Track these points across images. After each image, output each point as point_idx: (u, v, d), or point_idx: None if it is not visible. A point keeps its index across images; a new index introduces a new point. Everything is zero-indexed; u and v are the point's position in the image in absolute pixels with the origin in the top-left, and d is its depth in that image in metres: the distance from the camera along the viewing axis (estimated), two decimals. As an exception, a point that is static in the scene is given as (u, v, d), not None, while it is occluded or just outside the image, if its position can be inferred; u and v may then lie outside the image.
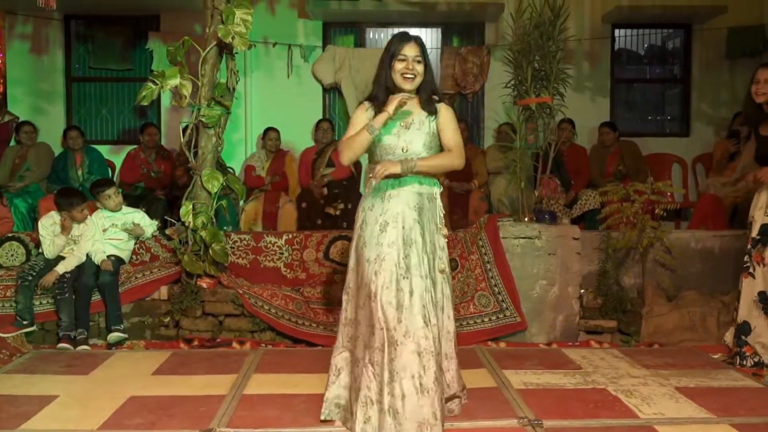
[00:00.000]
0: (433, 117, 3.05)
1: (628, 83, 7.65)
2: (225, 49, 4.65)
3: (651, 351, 4.41)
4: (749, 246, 4.02)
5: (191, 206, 4.63)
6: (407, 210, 2.96)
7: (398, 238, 2.91)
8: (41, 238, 4.72)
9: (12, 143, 6.48)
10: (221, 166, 5.42)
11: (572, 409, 3.25)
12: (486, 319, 4.64)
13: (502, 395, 3.43)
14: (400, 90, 3.02)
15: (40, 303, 4.62)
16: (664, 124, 7.72)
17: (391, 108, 2.92)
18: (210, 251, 4.62)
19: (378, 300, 2.82)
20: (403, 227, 2.94)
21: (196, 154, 4.72)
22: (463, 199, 6.22)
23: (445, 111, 3.08)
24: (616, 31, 7.40)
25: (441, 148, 3.08)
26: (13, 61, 7.20)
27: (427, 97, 3.05)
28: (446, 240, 3.11)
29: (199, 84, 4.61)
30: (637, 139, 6.97)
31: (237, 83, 4.79)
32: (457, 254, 4.84)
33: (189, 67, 4.62)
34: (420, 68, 3.00)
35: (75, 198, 4.77)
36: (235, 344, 4.50)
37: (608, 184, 5.48)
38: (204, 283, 4.68)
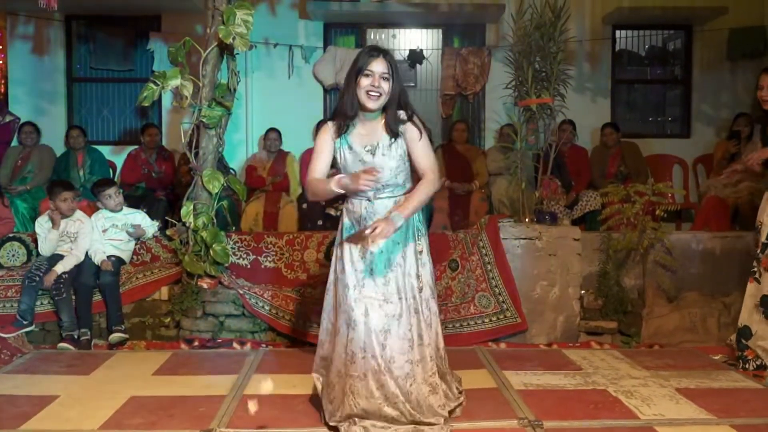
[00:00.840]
0: (399, 139, 2.90)
1: (629, 84, 7.64)
2: (226, 50, 4.66)
3: (651, 352, 4.41)
4: (758, 251, 3.96)
5: (192, 207, 4.64)
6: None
7: (378, 263, 2.89)
8: (37, 236, 4.73)
9: (14, 143, 6.47)
10: (223, 167, 5.43)
11: (572, 410, 3.25)
12: (486, 320, 4.64)
13: (502, 396, 3.43)
14: (364, 108, 2.87)
15: (40, 303, 4.62)
16: (665, 125, 7.71)
17: (358, 184, 2.73)
18: (211, 252, 4.63)
19: (359, 327, 2.83)
20: (382, 251, 2.89)
21: (197, 154, 4.72)
22: (463, 200, 6.22)
23: (411, 130, 2.91)
24: (617, 32, 7.40)
25: (410, 169, 2.97)
26: (15, 61, 7.21)
27: (392, 118, 2.88)
28: (421, 252, 3.01)
29: (200, 84, 4.62)
30: (637, 140, 6.97)
31: (238, 84, 4.80)
32: (458, 255, 4.84)
33: (190, 67, 4.63)
34: (386, 86, 2.83)
35: (58, 187, 4.79)
36: (235, 345, 4.50)
37: (609, 185, 5.48)
38: (205, 283, 4.68)
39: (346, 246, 2.95)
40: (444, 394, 2.99)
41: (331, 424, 2.93)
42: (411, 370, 2.86)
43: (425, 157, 2.93)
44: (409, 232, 2.97)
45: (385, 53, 2.87)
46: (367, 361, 2.83)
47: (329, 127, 2.97)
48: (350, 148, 2.93)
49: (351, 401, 2.84)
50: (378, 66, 2.83)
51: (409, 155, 2.94)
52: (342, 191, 2.84)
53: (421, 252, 3.00)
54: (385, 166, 2.88)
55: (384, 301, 2.88)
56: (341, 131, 2.94)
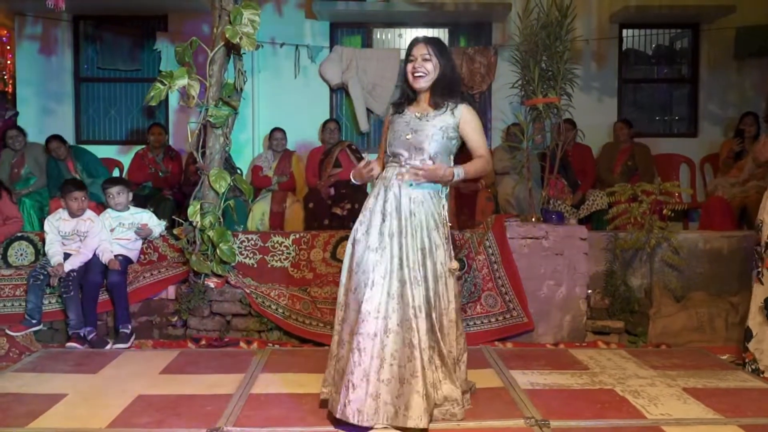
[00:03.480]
0: (443, 111, 3.11)
1: (636, 83, 7.63)
2: (233, 50, 4.67)
3: (658, 352, 4.40)
4: (761, 250, 3.95)
5: (199, 206, 4.65)
6: (405, 201, 3.04)
7: (395, 229, 3.01)
8: (45, 235, 4.75)
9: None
10: (230, 166, 5.44)
11: (579, 409, 3.24)
12: (493, 320, 4.64)
13: (508, 395, 3.43)
14: (412, 88, 3.13)
15: (49, 302, 4.63)
16: (672, 124, 7.69)
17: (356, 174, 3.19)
18: (217, 251, 4.64)
19: (377, 288, 2.93)
20: (401, 219, 3.02)
21: (204, 154, 4.74)
22: (470, 200, 6.22)
23: (466, 113, 3.13)
24: (624, 31, 7.38)
25: (448, 146, 3.14)
26: (23, 61, 7.26)
27: (436, 95, 3.12)
28: (446, 238, 3.13)
29: (207, 84, 4.63)
30: (645, 140, 6.96)
31: (244, 83, 4.81)
32: (465, 254, 4.83)
33: (197, 67, 4.64)
34: (430, 66, 3.07)
35: (69, 186, 4.79)
36: (242, 344, 4.51)
37: (616, 180, 5.46)
38: (211, 282, 4.70)
39: (372, 209, 3.09)
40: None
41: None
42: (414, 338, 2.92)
43: (480, 142, 3.17)
44: (432, 218, 3.08)
45: (428, 39, 3.13)
46: (378, 321, 2.91)
47: (390, 109, 3.30)
48: (402, 115, 3.18)
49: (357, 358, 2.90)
50: (418, 50, 3.09)
51: (460, 136, 3.16)
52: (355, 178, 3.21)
53: (439, 244, 3.07)
54: (423, 130, 3.09)
55: (400, 268, 2.97)
56: (397, 110, 3.21)
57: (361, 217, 3.13)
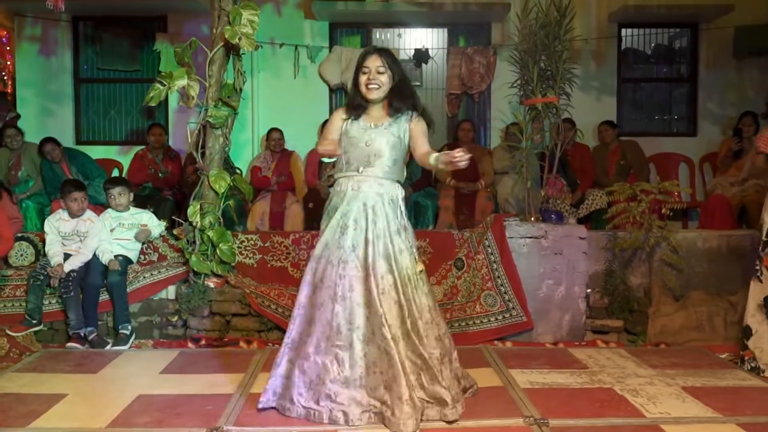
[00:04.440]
0: (398, 119, 3.15)
1: (635, 83, 7.63)
2: (232, 50, 4.68)
3: (657, 351, 4.41)
4: (759, 249, 3.96)
5: (199, 206, 4.66)
6: (363, 210, 3.08)
7: (359, 241, 3.04)
8: (45, 235, 4.75)
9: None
10: (230, 167, 5.44)
11: (578, 408, 3.25)
12: (492, 319, 4.64)
13: (508, 394, 3.44)
14: (366, 99, 3.16)
15: (49, 303, 4.65)
16: (671, 123, 7.70)
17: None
18: (217, 251, 4.65)
19: (344, 301, 2.99)
20: (361, 229, 3.06)
21: (203, 154, 4.74)
22: (469, 199, 6.22)
23: (417, 121, 3.18)
24: (623, 31, 7.39)
25: (403, 153, 3.20)
26: (22, 62, 7.27)
27: (393, 104, 3.16)
28: (409, 242, 3.16)
29: (207, 85, 4.64)
30: (644, 139, 6.97)
31: (244, 84, 4.82)
32: (464, 254, 4.84)
33: (196, 68, 4.65)
34: (384, 78, 3.12)
35: (68, 186, 4.79)
36: (242, 343, 4.52)
37: (612, 181, 5.47)
38: (211, 282, 4.71)
39: (330, 224, 3.13)
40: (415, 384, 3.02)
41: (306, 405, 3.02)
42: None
43: (422, 138, 3.19)
44: (394, 223, 3.12)
45: (380, 50, 3.16)
46: (352, 332, 2.98)
47: (342, 111, 3.28)
48: (356, 122, 3.20)
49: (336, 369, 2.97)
50: (372, 62, 3.13)
51: (409, 145, 3.19)
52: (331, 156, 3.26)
53: (402, 249, 3.11)
54: (380, 137, 3.13)
55: (366, 277, 3.01)
56: (351, 117, 3.22)
57: (321, 233, 3.16)
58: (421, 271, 3.14)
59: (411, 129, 3.17)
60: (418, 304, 3.11)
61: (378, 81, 3.11)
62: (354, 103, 3.21)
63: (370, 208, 3.08)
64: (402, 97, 3.17)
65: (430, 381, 3.03)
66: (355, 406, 2.96)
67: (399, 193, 3.19)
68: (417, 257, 3.18)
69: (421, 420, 2.96)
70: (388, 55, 3.15)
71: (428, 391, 3.02)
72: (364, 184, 3.11)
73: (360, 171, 3.12)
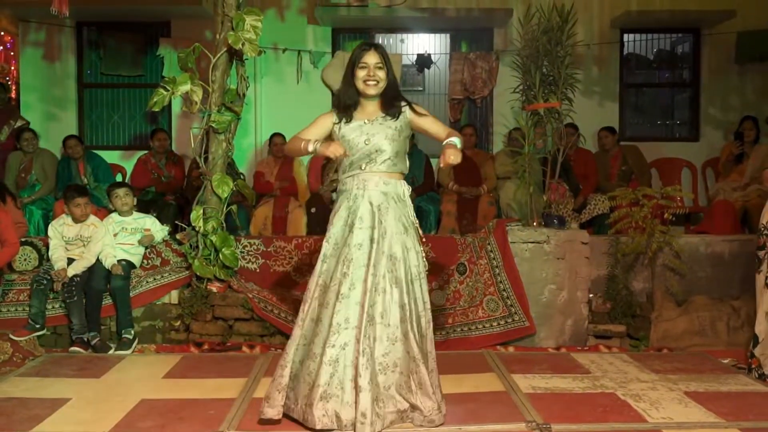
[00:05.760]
0: (395, 114, 3.15)
1: (637, 88, 7.64)
2: (235, 56, 4.70)
3: (660, 355, 4.41)
4: (764, 253, 3.94)
5: (202, 211, 4.67)
6: (370, 209, 3.07)
7: (365, 240, 3.03)
8: (49, 240, 4.77)
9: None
10: (233, 172, 5.45)
11: (581, 413, 3.25)
12: (495, 324, 4.65)
13: (510, 399, 3.44)
14: (364, 95, 3.16)
15: (52, 307, 4.66)
16: (674, 128, 7.70)
17: (332, 151, 3.02)
18: (220, 256, 4.66)
19: (346, 300, 2.96)
20: (369, 227, 3.04)
21: (206, 159, 4.76)
22: (472, 204, 6.23)
23: (413, 111, 3.18)
24: (625, 36, 7.39)
25: (404, 144, 3.19)
26: (26, 67, 7.29)
27: (389, 100, 3.17)
28: (420, 241, 3.17)
29: (210, 90, 4.65)
30: (646, 144, 6.97)
31: (247, 89, 4.84)
32: (466, 259, 4.85)
33: (199, 73, 4.67)
34: (381, 74, 3.13)
35: (71, 192, 4.81)
36: (245, 348, 4.53)
37: (615, 186, 5.47)
38: (214, 287, 4.72)
39: (338, 223, 3.12)
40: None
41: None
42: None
43: (437, 123, 3.22)
44: (400, 222, 3.10)
45: (377, 46, 3.17)
46: (350, 331, 2.94)
47: (332, 112, 3.24)
48: (349, 123, 3.17)
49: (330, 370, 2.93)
50: (371, 58, 3.13)
51: (416, 134, 3.25)
52: (312, 152, 3.10)
53: (410, 247, 3.10)
54: (379, 132, 3.12)
55: (369, 276, 2.99)
56: (342, 119, 3.19)
57: (328, 233, 3.15)
58: (419, 275, 3.11)
59: (417, 120, 3.18)
60: (422, 303, 3.10)
61: (377, 77, 3.11)
62: (345, 101, 3.18)
63: (376, 207, 3.07)
64: (395, 93, 3.20)
65: (419, 384, 3.01)
66: (348, 408, 2.91)
67: (405, 189, 3.18)
68: (424, 256, 3.16)
69: (403, 423, 2.98)
70: (384, 51, 3.17)
71: (415, 396, 3.01)
72: (369, 183, 3.10)
73: (363, 168, 3.12)
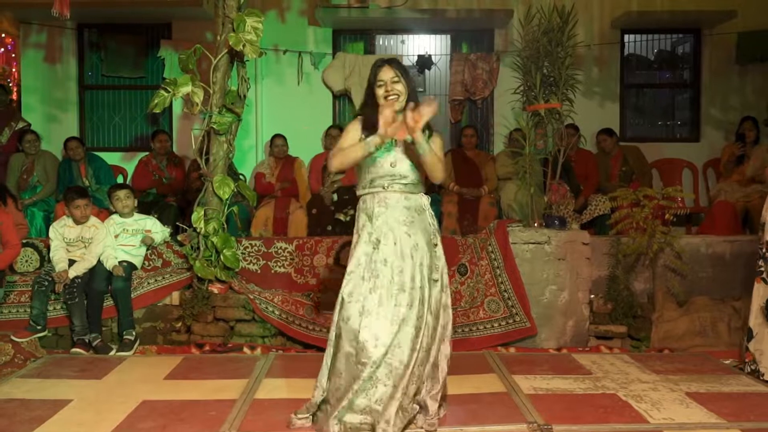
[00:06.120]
0: (427, 135, 3.05)
1: (638, 88, 7.63)
2: (236, 57, 4.70)
3: (661, 356, 4.41)
4: (763, 249, 3.96)
5: (203, 212, 4.67)
6: (397, 225, 3.03)
7: (391, 255, 2.99)
8: (50, 242, 4.77)
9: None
10: (233, 173, 5.46)
11: (582, 414, 3.25)
12: (496, 325, 4.65)
13: (511, 400, 3.44)
14: None
15: (54, 308, 4.67)
16: (675, 129, 7.70)
17: (384, 130, 2.93)
18: (221, 257, 4.67)
19: (373, 316, 2.92)
20: (395, 243, 3.00)
21: (207, 160, 4.76)
22: (473, 205, 6.23)
23: (437, 139, 3.14)
24: (626, 37, 7.39)
25: (423, 170, 3.10)
26: (28, 69, 7.30)
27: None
28: (440, 250, 3.13)
29: (211, 91, 4.66)
30: (647, 145, 6.97)
31: (248, 90, 4.84)
32: (467, 259, 4.85)
33: (200, 74, 4.68)
34: (400, 87, 3.08)
35: (71, 194, 4.81)
36: (246, 349, 4.53)
37: (616, 187, 5.47)
38: (215, 288, 4.72)
39: (362, 240, 3.06)
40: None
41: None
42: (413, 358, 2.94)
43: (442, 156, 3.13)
44: (427, 233, 3.08)
45: (390, 61, 3.13)
46: (378, 349, 2.89)
47: (358, 125, 3.17)
48: (379, 146, 3.05)
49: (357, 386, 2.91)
50: (386, 74, 3.09)
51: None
52: (374, 148, 2.99)
53: (436, 245, 3.10)
54: (407, 160, 3.08)
55: (399, 291, 2.96)
56: (368, 134, 3.08)
57: (352, 251, 3.09)
58: (436, 281, 3.06)
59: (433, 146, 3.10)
60: (449, 311, 3.12)
61: (396, 91, 3.07)
62: (371, 121, 3.08)
63: (400, 223, 3.03)
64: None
65: (430, 388, 3.05)
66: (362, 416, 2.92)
67: (424, 200, 3.15)
68: (442, 266, 3.11)
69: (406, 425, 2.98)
70: (398, 65, 3.12)
71: (421, 397, 3.03)
72: (390, 200, 3.07)
73: (386, 188, 3.08)
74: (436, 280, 3.05)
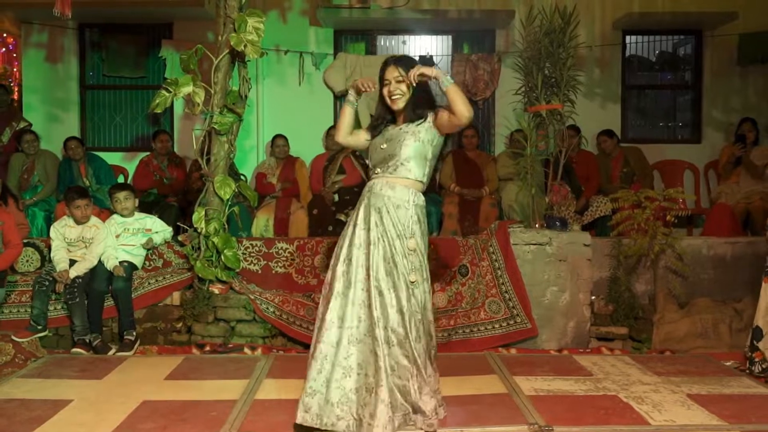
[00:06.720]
0: (420, 122, 3.15)
1: (639, 90, 7.63)
2: (237, 57, 4.70)
3: (662, 358, 4.40)
4: None
5: (204, 212, 4.67)
6: (370, 211, 3.11)
7: (364, 240, 3.07)
8: (51, 241, 4.77)
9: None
10: (234, 173, 5.45)
11: (583, 415, 3.25)
12: (497, 326, 4.64)
13: (512, 401, 3.44)
14: (391, 110, 3.24)
15: (54, 308, 4.67)
16: (676, 130, 7.70)
17: (363, 83, 3.21)
18: (222, 257, 4.66)
19: (343, 298, 3.02)
20: (366, 229, 3.08)
21: (208, 161, 4.76)
22: (474, 206, 6.23)
23: (435, 111, 3.17)
24: (627, 38, 7.39)
25: (425, 157, 3.15)
26: (29, 69, 7.30)
27: (411, 109, 3.17)
28: (413, 250, 3.08)
29: (212, 92, 4.66)
30: (648, 146, 6.97)
31: (249, 91, 4.84)
32: (468, 260, 4.84)
33: (202, 74, 4.67)
34: (404, 87, 3.15)
35: (72, 194, 4.81)
36: (246, 350, 4.53)
37: (617, 188, 5.47)
38: (216, 288, 4.72)
39: (348, 222, 3.20)
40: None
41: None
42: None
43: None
44: (397, 227, 3.08)
45: (396, 60, 3.20)
46: (342, 330, 2.98)
47: (366, 131, 3.36)
48: (381, 134, 3.27)
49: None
50: (390, 73, 3.18)
51: (439, 135, 3.18)
52: (352, 99, 3.30)
53: (413, 250, 3.08)
54: (399, 136, 3.15)
55: (365, 278, 3.03)
56: (377, 133, 3.29)
57: (343, 232, 3.22)
58: (411, 282, 3.04)
59: (439, 118, 3.12)
60: (416, 309, 3.06)
61: (399, 90, 3.15)
62: (377, 120, 3.28)
63: (376, 210, 3.09)
64: (420, 102, 3.17)
65: (418, 389, 3.00)
66: (330, 410, 2.93)
67: (411, 197, 3.10)
68: (413, 266, 3.06)
69: (401, 427, 2.95)
70: (403, 64, 3.15)
71: (412, 398, 2.98)
72: (375, 186, 3.14)
73: (376, 172, 3.18)
74: (412, 282, 3.04)
